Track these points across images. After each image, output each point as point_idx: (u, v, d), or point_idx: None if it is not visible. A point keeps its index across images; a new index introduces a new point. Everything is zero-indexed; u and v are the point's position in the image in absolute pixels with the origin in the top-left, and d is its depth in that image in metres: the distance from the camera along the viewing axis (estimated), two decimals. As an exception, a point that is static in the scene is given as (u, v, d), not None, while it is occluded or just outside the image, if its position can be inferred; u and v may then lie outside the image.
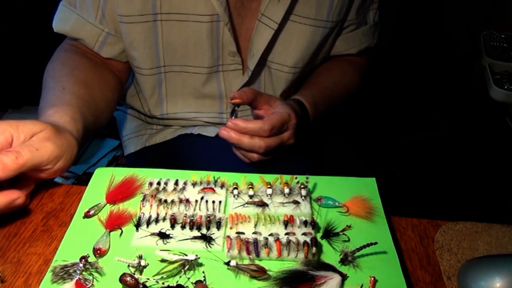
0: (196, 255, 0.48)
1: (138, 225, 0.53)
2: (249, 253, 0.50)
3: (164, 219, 0.54)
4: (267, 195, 0.57)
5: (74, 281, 0.47)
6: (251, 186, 0.58)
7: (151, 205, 0.56)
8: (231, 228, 0.53)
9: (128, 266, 0.48)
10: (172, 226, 0.53)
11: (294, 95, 0.82)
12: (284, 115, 0.69)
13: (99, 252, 0.50)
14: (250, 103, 0.71)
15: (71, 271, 0.47)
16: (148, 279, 0.47)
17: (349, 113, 1.08)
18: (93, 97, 0.72)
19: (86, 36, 0.79)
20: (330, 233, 0.53)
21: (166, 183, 0.59)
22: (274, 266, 0.49)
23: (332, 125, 1.01)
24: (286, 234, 0.52)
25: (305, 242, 0.50)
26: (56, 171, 0.57)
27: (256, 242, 0.50)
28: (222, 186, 0.59)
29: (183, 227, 0.53)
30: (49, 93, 0.68)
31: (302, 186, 0.58)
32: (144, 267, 0.49)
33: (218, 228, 0.53)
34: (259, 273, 0.48)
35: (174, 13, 0.76)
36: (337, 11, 0.82)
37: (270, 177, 0.59)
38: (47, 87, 0.70)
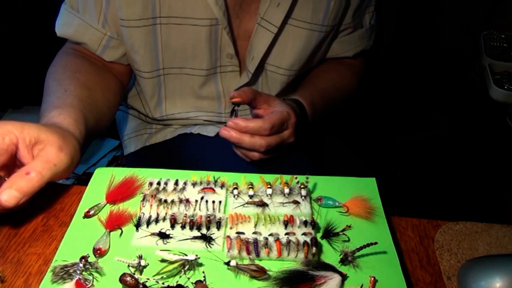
0: (196, 255, 0.48)
1: (138, 225, 0.53)
2: (249, 253, 0.50)
3: (164, 219, 0.54)
4: (267, 195, 0.57)
5: (74, 281, 0.47)
6: (251, 186, 0.58)
7: (151, 205, 0.56)
8: (231, 228, 0.53)
9: (128, 266, 0.48)
10: (172, 226, 0.53)
11: (292, 95, 0.82)
12: (284, 114, 0.69)
13: (99, 252, 0.50)
14: (250, 102, 0.71)
15: (71, 271, 0.47)
16: (148, 279, 0.47)
17: (349, 113, 1.08)
18: (95, 100, 0.72)
19: (89, 40, 0.79)
20: (330, 233, 0.53)
21: (166, 183, 0.59)
22: (274, 266, 0.49)
23: (332, 125, 1.01)
24: (286, 234, 0.52)
25: (305, 242, 0.50)
26: (62, 176, 0.57)
27: (256, 242, 0.50)
28: (222, 186, 0.59)
29: (183, 227, 0.53)
30: (51, 96, 0.69)
31: (302, 186, 0.58)
32: (144, 267, 0.49)
33: (218, 228, 0.53)
34: (259, 273, 0.48)
35: (173, 17, 0.76)
36: (333, 15, 0.82)
37: (270, 177, 0.59)
38: (49, 90, 0.71)
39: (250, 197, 0.57)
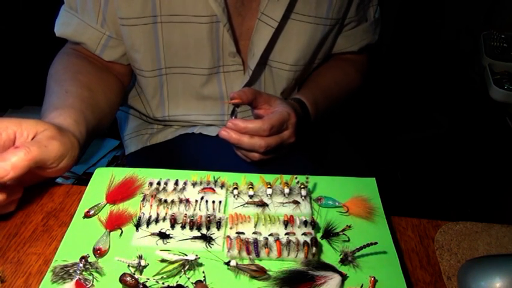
0: (196, 255, 0.48)
1: (138, 225, 0.53)
2: (249, 253, 0.50)
3: (164, 219, 0.54)
4: (267, 195, 0.57)
5: (74, 281, 0.47)
6: (251, 186, 0.58)
7: (151, 205, 0.56)
8: (231, 228, 0.53)
9: (128, 266, 0.48)
10: (172, 226, 0.53)
11: (294, 94, 0.82)
12: (283, 114, 0.69)
13: (99, 252, 0.50)
14: (250, 103, 0.71)
15: (71, 271, 0.47)
16: (148, 279, 0.47)
17: (351, 111, 1.08)
18: (96, 100, 0.72)
19: (88, 40, 0.79)
20: (330, 233, 0.53)
21: (166, 183, 0.59)
22: (274, 266, 0.49)
23: (334, 123, 1.01)
24: (286, 234, 0.52)
25: (305, 242, 0.50)
26: (59, 170, 0.57)
27: (256, 242, 0.50)
28: (222, 186, 0.59)
29: (183, 227, 0.53)
30: (52, 96, 0.69)
31: (302, 186, 0.58)
32: (144, 267, 0.49)
33: (218, 228, 0.53)
34: (259, 273, 0.48)
35: (173, 15, 0.76)
36: (336, 8, 0.82)
37: (270, 177, 0.59)
38: (50, 91, 0.71)
39: (250, 197, 0.57)
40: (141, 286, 0.46)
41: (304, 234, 0.52)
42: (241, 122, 0.66)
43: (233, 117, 0.72)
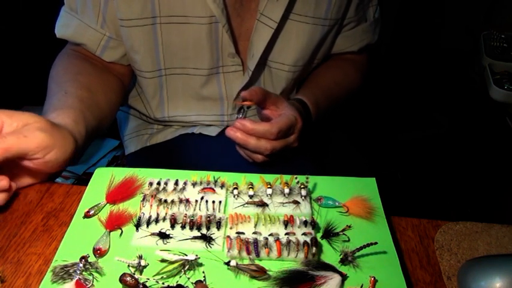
0: (196, 255, 0.48)
1: (138, 225, 0.53)
2: (249, 253, 0.50)
3: (164, 219, 0.54)
4: (267, 195, 0.57)
5: (74, 281, 0.47)
6: (251, 186, 0.58)
7: (151, 205, 0.56)
8: (231, 228, 0.53)
9: (128, 266, 0.48)
10: (172, 226, 0.53)
11: (295, 94, 0.82)
12: (291, 118, 0.70)
13: (99, 252, 0.50)
14: (259, 103, 0.71)
15: (71, 271, 0.47)
16: (148, 279, 0.47)
17: (352, 111, 1.08)
18: (96, 100, 0.72)
19: (88, 41, 0.79)
20: (330, 233, 0.53)
21: (166, 183, 0.59)
22: (274, 266, 0.49)
23: (335, 122, 1.01)
24: (286, 234, 0.52)
25: (305, 242, 0.50)
26: (47, 162, 0.57)
27: (256, 242, 0.50)
28: (222, 186, 0.59)
29: (183, 227, 0.53)
30: (52, 98, 0.69)
31: (302, 186, 0.58)
32: (144, 267, 0.49)
33: (218, 228, 0.53)
34: (259, 273, 0.48)
35: (173, 16, 0.76)
36: (335, 9, 0.82)
37: (270, 177, 0.59)
38: (51, 92, 0.71)
39: (250, 197, 0.57)
40: (141, 286, 0.46)
41: (304, 234, 0.52)
42: (250, 123, 0.66)
43: (241, 116, 0.71)
